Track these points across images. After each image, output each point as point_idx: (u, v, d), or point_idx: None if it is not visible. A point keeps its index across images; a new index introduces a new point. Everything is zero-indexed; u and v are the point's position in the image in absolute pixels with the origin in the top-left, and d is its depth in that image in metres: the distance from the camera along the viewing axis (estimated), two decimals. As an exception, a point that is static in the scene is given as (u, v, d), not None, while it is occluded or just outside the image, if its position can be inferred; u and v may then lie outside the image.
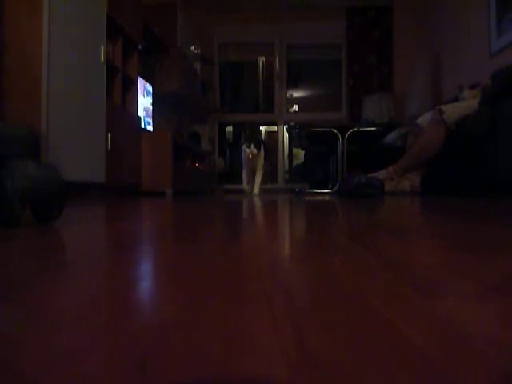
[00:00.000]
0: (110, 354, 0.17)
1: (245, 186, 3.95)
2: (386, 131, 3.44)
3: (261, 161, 3.77)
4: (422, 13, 4.46)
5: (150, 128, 3.84)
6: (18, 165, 0.66)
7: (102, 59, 2.72)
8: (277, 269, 0.35)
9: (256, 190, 3.80)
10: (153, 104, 3.94)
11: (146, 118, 3.77)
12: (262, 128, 7.33)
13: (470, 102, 2.53)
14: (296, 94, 7.05)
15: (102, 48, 2.72)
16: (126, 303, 0.25)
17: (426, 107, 3.49)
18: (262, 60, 6.11)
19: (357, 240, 0.53)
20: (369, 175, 2.44)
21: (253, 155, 3.69)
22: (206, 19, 5.07)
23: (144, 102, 3.70)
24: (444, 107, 2.57)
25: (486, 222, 0.79)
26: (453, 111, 2.51)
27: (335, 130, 3.34)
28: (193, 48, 4.60)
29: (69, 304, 0.25)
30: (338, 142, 3.33)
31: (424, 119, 2.69)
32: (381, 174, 2.54)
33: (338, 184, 3.19)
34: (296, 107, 7.02)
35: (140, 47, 3.46)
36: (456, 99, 2.89)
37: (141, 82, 3.58)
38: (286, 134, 5.21)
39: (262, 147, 3.77)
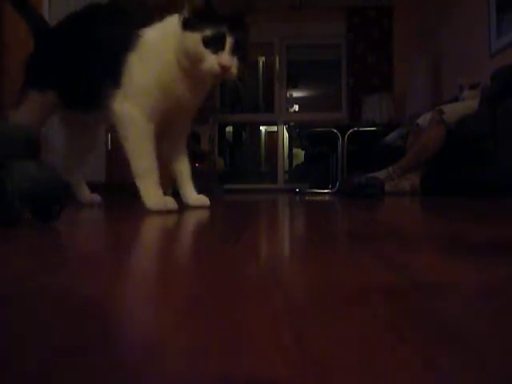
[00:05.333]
0: (111, 352, 0.17)
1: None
2: (386, 131, 3.44)
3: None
4: (422, 13, 4.46)
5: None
6: (18, 165, 0.66)
7: (102, 59, 2.72)
8: (277, 268, 0.35)
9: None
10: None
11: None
12: (262, 128, 7.33)
13: (469, 102, 2.53)
14: (296, 94, 7.05)
15: (102, 48, 2.72)
16: (127, 303, 0.25)
17: (426, 107, 3.49)
18: (261, 60, 6.10)
19: (357, 240, 0.53)
20: (369, 175, 2.44)
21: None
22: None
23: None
24: (444, 107, 2.57)
25: (486, 223, 0.79)
26: (453, 111, 2.50)
27: (335, 130, 3.33)
28: (193, 48, 4.59)
29: (69, 304, 0.25)
30: (338, 141, 3.33)
31: (424, 119, 2.69)
32: (381, 174, 2.54)
33: (338, 184, 3.19)
34: (296, 107, 7.02)
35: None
36: (456, 99, 2.89)
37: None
38: (286, 134, 5.21)
39: None
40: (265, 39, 5.23)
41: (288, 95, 5.47)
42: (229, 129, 6.50)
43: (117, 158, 2.88)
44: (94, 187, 1.57)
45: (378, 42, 4.67)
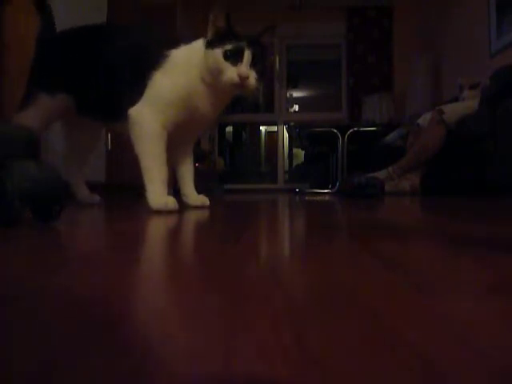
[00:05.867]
0: (111, 353, 0.17)
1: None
2: (386, 131, 3.44)
3: None
4: (422, 13, 4.46)
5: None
6: (18, 165, 0.66)
7: (102, 59, 2.72)
8: (277, 268, 0.35)
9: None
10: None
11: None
12: (262, 128, 7.33)
13: (469, 102, 2.53)
14: (296, 94, 7.04)
15: (102, 48, 2.72)
16: (127, 303, 0.25)
17: (426, 107, 3.49)
18: (261, 60, 6.08)
19: (357, 240, 0.53)
20: (369, 175, 2.44)
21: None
22: (206, 20, 5.06)
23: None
24: (444, 107, 2.57)
25: (486, 222, 0.79)
26: (453, 111, 2.50)
27: (335, 130, 3.34)
28: (193, 48, 4.59)
29: (69, 304, 0.25)
30: (338, 141, 3.33)
31: (424, 119, 2.69)
32: (381, 174, 2.54)
33: (338, 184, 3.19)
34: (296, 107, 7.02)
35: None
36: (456, 99, 2.89)
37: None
38: (286, 134, 5.21)
39: None
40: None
41: (288, 95, 5.47)
42: (229, 129, 6.50)
43: (117, 158, 2.89)
44: (93, 187, 1.57)
45: (378, 42, 4.67)
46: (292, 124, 3.98)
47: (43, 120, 1.32)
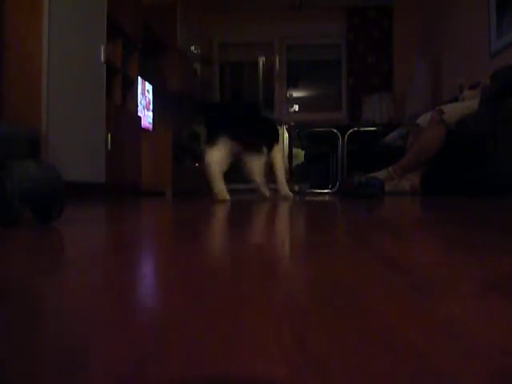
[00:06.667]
0: (110, 353, 0.17)
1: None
2: (386, 131, 3.44)
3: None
4: (422, 13, 4.46)
5: (150, 128, 3.84)
6: (18, 165, 0.66)
7: (102, 59, 2.73)
8: (277, 268, 0.35)
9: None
10: (153, 104, 3.94)
11: (146, 118, 3.76)
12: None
13: (469, 102, 2.53)
14: (296, 93, 7.04)
15: (102, 48, 2.72)
16: (127, 303, 0.25)
17: (426, 107, 3.49)
18: (261, 60, 6.10)
19: (357, 240, 0.53)
20: (369, 175, 2.44)
21: None
22: (206, 19, 5.07)
23: (144, 102, 3.70)
24: (444, 107, 2.57)
25: (486, 222, 0.79)
26: (453, 111, 2.51)
27: (335, 130, 3.34)
28: (193, 48, 4.60)
29: (68, 305, 0.25)
30: (338, 141, 3.33)
31: (424, 119, 2.69)
32: (381, 174, 2.54)
33: (338, 184, 3.19)
34: (296, 107, 7.02)
35: (140, 47, 3.46)
36: (456, 99, 2.89)
37: (141, 82, 3.58)
38: (286, 134, 5.21)
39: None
40: (265, 39, 5.22)
41: (288, 95, 5.47)
42: (229, 129, 6.47)
43: (117, 158, 2.88)
44: (94, 187, 1.57)
45: (378, 42, 4.68)
46: (292, 124, 3.98)
47: (227, 151, 2.10)
